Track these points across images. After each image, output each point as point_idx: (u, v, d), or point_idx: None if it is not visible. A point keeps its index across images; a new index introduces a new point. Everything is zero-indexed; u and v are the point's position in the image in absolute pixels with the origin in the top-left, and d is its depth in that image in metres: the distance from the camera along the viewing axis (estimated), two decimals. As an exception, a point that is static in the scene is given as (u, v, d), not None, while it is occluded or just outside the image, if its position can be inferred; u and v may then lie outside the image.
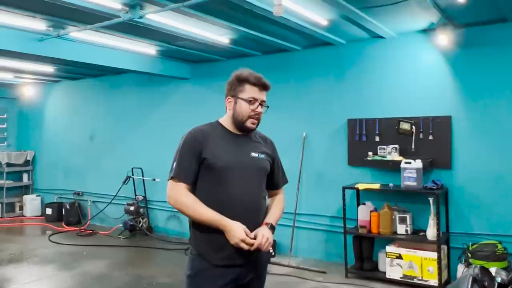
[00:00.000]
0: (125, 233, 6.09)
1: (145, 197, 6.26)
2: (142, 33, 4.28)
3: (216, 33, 4.14)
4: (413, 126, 4.06)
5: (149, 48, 5.03)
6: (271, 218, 1.76)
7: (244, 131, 1.65)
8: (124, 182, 6.21)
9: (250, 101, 1.58)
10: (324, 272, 4.17)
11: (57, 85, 7.88)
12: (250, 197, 1.69)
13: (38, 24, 3.92)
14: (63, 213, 7.09)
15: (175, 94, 6.22)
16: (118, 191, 6.28)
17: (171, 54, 5.38)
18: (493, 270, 1.42)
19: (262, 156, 1.76)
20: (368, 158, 4.28)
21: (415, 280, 3.72)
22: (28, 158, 8.02)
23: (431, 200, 3.74)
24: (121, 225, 6.22)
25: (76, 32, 4.15)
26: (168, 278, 4.22)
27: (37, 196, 7.88)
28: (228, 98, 1.67)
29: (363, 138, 4.43)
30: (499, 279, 1.34)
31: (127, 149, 6.67)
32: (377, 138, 4.36)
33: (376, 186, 4.15)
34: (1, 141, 8.39)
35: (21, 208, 7.88)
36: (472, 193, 3.86)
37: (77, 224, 6.93)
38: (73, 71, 6.59)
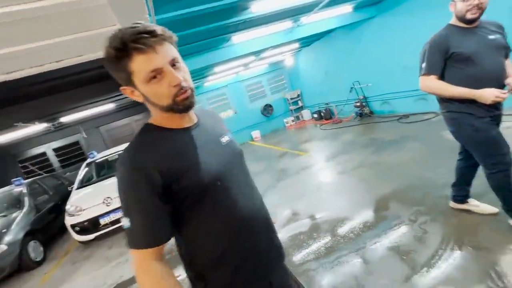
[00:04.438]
0: (357, 118, 6.68)
1: (364, 96, 6.70)
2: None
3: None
4: None
5: (347, 8, 4.85)
6: None
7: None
8: (350, 91, 6.96)
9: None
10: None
11: (302, 51, 8.59)
12: (494, 71, 1.49)
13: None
14: (321, 115, 8.11)
15: (368, 30, 5.80)
16: (347, 97, 7.07)
17: (361, 5, 5.04)
18: None
19: (498, 36, 1.50)
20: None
21: None
22: (298, 93, 9.59)
23: None
24: (354, 114, 6.94)
25: (313, 17, 4.47)
26: (391, 137, 4.43)
27: (307, 110, 9.35)
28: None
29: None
30: None
31: (348, 73, 6.98)
32: None
33: None
34: (283, 88, 10.25)
35: (301, 116, 9.42)
36: None
37: (330, 119, 7.85)
38: (308, 40, 7.15)
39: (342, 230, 2.44)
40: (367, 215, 2.55)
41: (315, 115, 8.49)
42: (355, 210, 2.69)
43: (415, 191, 2.68)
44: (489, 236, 1.82)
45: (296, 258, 2.23)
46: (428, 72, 1.57)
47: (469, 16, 1.48)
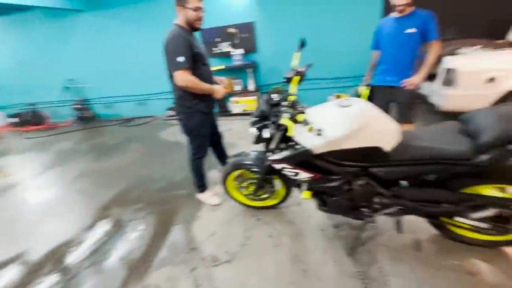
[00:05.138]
0: (78, 122, 5.95)
1: (84, 98, 5.99)
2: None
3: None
4: (236, 30, 4.58)
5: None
6: None
7: None
8: (64, 91, 5.94)
9: None
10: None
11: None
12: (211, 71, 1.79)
13: None
14: (25, 119, 6.29)
15: (80, 25, 5.33)
16: (62, 97, 5.99)
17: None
18: (274, 95, 1.56)
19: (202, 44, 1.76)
20: (215, 52, 4.75)
21: (247, 111, 4.71)
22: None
23: (250, 70, 4.54)
24: (73, 117, 6.10)
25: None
26: (114, 141, 4.46)
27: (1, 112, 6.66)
28: None
29: (210, 39, 4.75)
30: (276, 98, 1.52)
31: (59, 69, 5.89)
32: (217, 39, 4.72)
33: (222, 66, 4.67)
34: None
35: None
36: (269, 63, 4.68)
37: (39, 124, 6.22)
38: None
39: (59, 263, 1.92)
40: (88, 231, 2.23)
41: (15, 120, 6.52)
42: (74, 231, 2.26)
43: (134, 191, 2.78)
44: (188, 212, 2.29)
45: None
46: (187, 67, 1.58)
47: (197, 25, 1.64)
